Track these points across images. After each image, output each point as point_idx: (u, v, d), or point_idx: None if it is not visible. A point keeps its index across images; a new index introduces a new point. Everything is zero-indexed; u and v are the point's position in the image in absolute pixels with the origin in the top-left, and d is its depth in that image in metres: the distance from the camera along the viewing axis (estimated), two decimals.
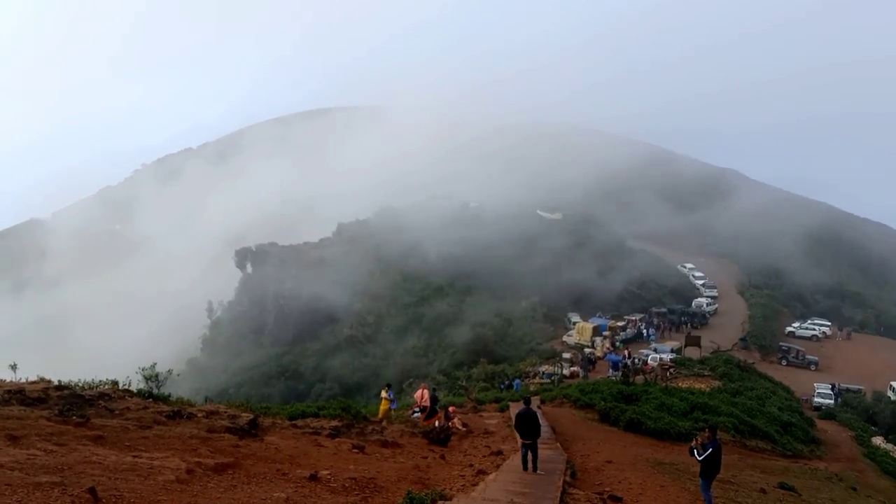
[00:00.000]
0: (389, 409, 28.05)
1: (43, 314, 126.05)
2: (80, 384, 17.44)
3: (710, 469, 17.09)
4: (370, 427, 23.68)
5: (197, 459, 13.10)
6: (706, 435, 17.38)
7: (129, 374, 19.58)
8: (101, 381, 18.25)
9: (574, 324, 68.86)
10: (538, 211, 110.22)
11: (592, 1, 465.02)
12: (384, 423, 26.15)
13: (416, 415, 28.08)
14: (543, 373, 54.20)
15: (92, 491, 9.54)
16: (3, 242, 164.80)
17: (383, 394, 29.02)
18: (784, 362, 63.23)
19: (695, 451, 17.13)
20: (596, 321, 67.84)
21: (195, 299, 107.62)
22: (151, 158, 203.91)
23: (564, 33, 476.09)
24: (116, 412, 15.56)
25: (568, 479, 18.66)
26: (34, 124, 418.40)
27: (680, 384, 45.19)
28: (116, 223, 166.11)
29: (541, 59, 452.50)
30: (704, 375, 49.48)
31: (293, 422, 21.50)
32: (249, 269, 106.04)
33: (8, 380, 16.90)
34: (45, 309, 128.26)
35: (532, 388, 46.56)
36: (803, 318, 79.81)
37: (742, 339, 66.23)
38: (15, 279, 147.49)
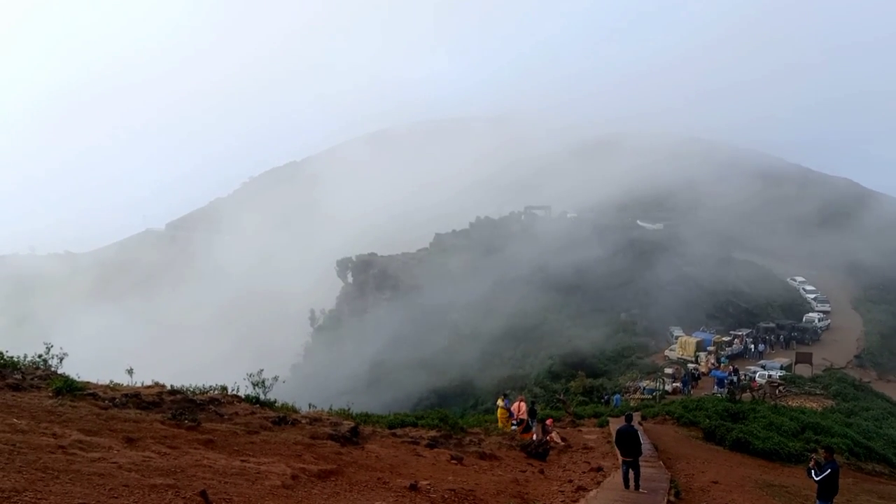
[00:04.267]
0: (508, 417, 27.99)
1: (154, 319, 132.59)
2: (192, 389, 18.01)
3: (827, 490, 16.46)
4: (468, 438, 23.68)
5: (301, 465, 13.39)
6: (823, 455, 16.86)
7: (236, 380, 20.15)
8: (211, 386, 18.87)
9: (676, 338, 66.72)
10: (638, 221, 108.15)
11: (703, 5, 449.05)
12: (506, 432, 26.59)
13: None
14: (644, 388, 52.94)
15: (203, 494, 9.85)
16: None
17: (500, 402, 28.94)
18: None
19: (812, 471, 16.58)
20: (700, 335, 65.53)
21: (301, 307, 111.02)
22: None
23: (676, 40, 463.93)
24: (226, 417, 16.08)
25: (672, 498, 18.15)
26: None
27: (790, 403, 43.31)
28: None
29: (642, 70, 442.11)
30: (816, 394, 47.24)
31: (392, 430, 21.74)
32: (350, 278, 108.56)
33: (125, 384, 17.66)
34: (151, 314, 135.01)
35: (632, 403, 45.59)
36: None
37: (857, 357, 62.80)
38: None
